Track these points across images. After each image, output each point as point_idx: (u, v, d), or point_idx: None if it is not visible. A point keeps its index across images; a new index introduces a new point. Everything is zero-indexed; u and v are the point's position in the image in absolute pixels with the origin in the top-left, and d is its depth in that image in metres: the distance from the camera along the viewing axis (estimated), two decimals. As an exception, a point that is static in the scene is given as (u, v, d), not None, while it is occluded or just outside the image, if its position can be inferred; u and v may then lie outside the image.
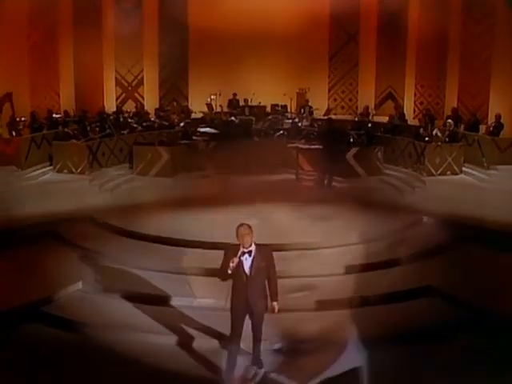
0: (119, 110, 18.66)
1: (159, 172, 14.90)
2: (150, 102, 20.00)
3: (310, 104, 19.19)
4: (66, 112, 17.39)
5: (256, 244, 6.07)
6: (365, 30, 20.08)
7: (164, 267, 8.71)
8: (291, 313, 7.35)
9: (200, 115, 18.69)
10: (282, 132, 17.00)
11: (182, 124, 17.41)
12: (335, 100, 20.86)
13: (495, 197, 12.73)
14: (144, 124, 17.57)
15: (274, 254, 6.30)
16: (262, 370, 6.38)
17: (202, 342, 6.98)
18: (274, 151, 15.49)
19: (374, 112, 18.68)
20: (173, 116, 18.21)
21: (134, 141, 16.24)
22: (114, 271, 8.65)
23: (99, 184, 13.98)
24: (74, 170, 14.76)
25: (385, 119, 18.22)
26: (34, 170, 14.77)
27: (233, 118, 17.70)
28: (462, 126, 16.71)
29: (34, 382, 6.28)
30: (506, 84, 16.03)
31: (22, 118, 16.00)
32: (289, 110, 19.11)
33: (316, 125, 17.53)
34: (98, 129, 15.96)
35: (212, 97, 18.68)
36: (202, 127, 16.97)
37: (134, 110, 19.03)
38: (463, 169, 15.08)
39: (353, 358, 6.54)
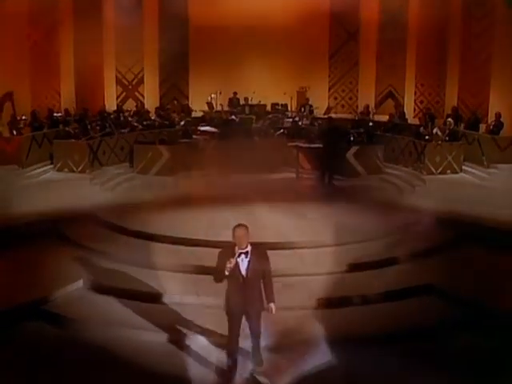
0: (120, 109, 18.68)
1: (160, 171, 14.93)
2: (151, 101, 20.01)
3: (310, 103, 19.21)
4: (66, 111, 17.41)
5: (251, 244, 5.98)
6: (365, 28, 20.08)
7: (165, 266, 8.71)
8: (290, 311, 7.35)
9: (200, 114, 18.72)
10: (282, 131, 17.01)
11: (182, 123, 17.45)
12: (335, 99, 20.87)
13: (495, 195, 12.76)
14: (144, 123, 17.59)
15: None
16: (262, 368, 6.34)
17: (203, 341, 6.98)
18: (274, 150, 15.51)
19: (374, 111, 18.68)
20: (173, 115, 18.23)
21: (134, 139, 16.27)
22: (114, 270, 8.64)
23: (100, 183, 13.99)
24: (74, 169, 14.80)
25: (385, 118, 18.24)
26: (35, 169, 14.81)
27: (233, 117, 17.71)
28: (462, 125, 16.74)
29: (34, 381, 6.28)
30: (506, 83, 16.05)
31: (23, 117, 16.04)
32: (289, 108, 19.12)
33: (316, 124, 17.56)
34: (98, 127, 15.99)
35: (212, 95, 18.69)
36: (202, 126, 16.99)
37: (134, 108, 19.04)
38: (463, 167, 15.11)
39: (349, 356, 6.55)
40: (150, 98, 20.17)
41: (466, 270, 8.91)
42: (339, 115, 19.20)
